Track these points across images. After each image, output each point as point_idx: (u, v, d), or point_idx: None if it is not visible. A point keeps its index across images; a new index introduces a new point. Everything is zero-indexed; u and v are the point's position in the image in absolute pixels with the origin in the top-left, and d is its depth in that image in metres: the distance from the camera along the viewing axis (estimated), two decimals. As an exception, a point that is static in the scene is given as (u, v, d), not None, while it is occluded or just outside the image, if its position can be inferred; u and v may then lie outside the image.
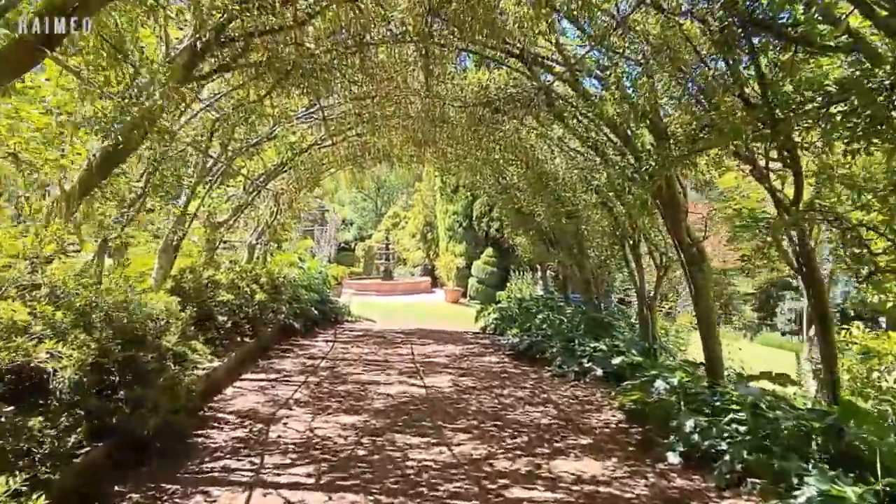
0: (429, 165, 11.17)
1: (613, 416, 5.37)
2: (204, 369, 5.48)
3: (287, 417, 4.92)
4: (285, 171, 8.16)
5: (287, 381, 6.31)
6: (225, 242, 8.77)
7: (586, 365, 6.78)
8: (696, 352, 7.28)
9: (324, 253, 11.83)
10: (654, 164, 4.92)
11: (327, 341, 9.11)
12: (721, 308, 11.69)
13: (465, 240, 19.69)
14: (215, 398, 5.41)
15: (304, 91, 5.74)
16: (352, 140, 9.07)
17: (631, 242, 6.88)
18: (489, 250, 18.78)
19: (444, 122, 8.01)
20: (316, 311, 9.94)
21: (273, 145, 7.22)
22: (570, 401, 5.90)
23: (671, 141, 4.80)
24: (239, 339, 7.21)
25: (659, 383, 4.49)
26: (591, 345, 6.89)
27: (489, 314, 10.92)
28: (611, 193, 6.40)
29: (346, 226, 43.55)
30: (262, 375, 6.46)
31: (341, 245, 37.56)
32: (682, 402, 4.36)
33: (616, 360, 6.11)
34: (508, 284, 12.40)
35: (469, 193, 19.35)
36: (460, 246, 19.79)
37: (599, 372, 6.63)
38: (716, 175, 5.08)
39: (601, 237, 7.54)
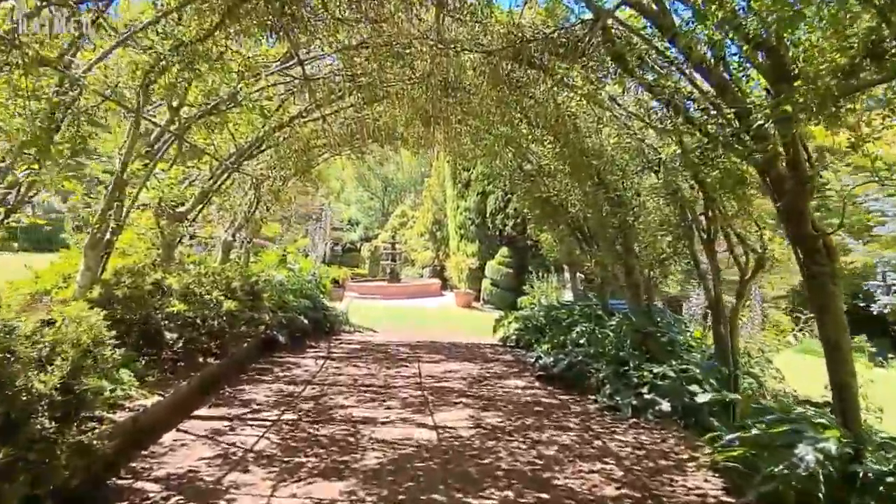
0: (439, 149, 9.58)
1: (707, 481, 3.76)
2: (131, 410, 3.97)
3: (237, 488, 3.37)
4: (263, 150, 6.64)
5: (254, 418, 4.76)
6: (193, 238, 7.29)
7: (647, 397, 5.18)
8: (796, 379, 5.65)
9: (318, 252, 10.34)
10: (769, 118, 3.32)
11: (318, 358, 7.56)
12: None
13: (477, 238, 18.11)
14: (145, 451, 3.88)
15: (270, 30, 4.20)
16: (346, 115, 7.54)
17: (705, 235, 5.25)
18: (504, 250, 17.20)
19: (459, 89, 6.46)
20: (306, 321, 8.41)
21: (243, 115, 5.69)
22: (636, 452, 4.29)
23: (804, 82, 3.20)
24: (201, 359, 5.69)
25: (804, 450, 2.86)
26: (654, 370, 5.27)
27: (509, 323, 9.33)
28: (684, 171, 4.78)
29: (352, 226, 42.29)
30: (224, 410, 4.92)
31: (346, 246, 36.28)
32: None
33: (702, 397, 4.51)
34: (530, 288, 10.78)
35: (482, 188, 17.78)
36: (472, 245, 18.22)
37: (666, 407, 5.03)
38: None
39: (660, 230, 5.94)
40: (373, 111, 7.41)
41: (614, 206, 6.59)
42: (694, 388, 5.06)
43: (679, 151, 4.75)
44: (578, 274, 9.97)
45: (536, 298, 9.99)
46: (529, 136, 7.29)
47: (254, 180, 7.31)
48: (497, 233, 17.58)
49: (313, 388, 5.87)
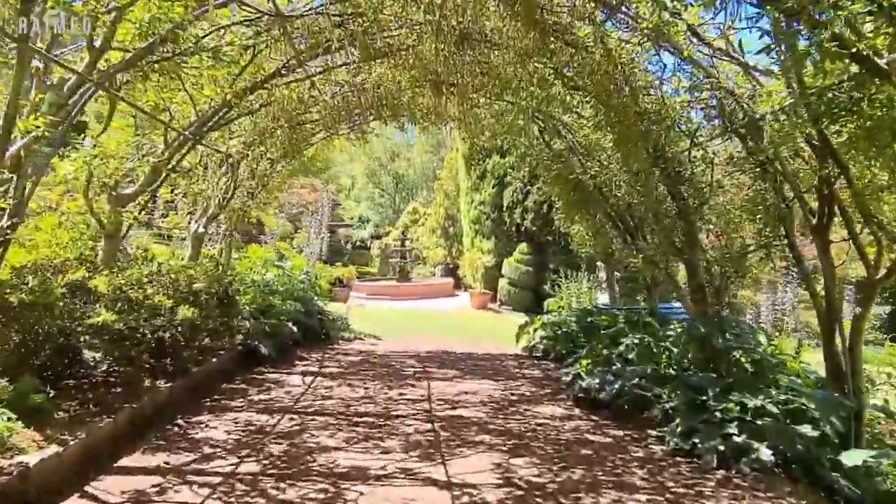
0: (453, 125, 8.20)
1: None
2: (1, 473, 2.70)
3: None
4: (234, 118, 5.35)
5: (199, 471, 3.46)
6: (150, 227, 6.04)
7: (738, 440, 3.77)
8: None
9: (314, 248, 9.03)
10: None
11: (306, 374, 6.26)
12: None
13: (493, 234, 16.73)
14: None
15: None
16: (339, 78, 6.23)
17: (815, 219, 3.84)
18: (523, 246, 15.80)
19: (477, 41, 5.13)
20: (295, 328, 7.13)
21: (203, 68, 4.40)
22: (746, 535, 2.91)
23: None
24: (148, 382, 4.43)
25: None
26: (746, 402, 3.86)
27: (535, 330, 7.95)
28: (800, 127, 3.35)
29: (362, 223, 41.28)
30: (161, 458, 3.62)
31: (356, 243, 35.18)
32: None
33: (848, 458, 3.10)
34: (557, 289, 9.35)
35: (498, 179, 16.39)
36: (488, 242, 16.84)
37: (767, 455, 3.62)
38: None
39: (741, 215, 4.54)
40: (371, 74, 6.08)
41: (676, 185, 5.18)
42: (806, 428, 3.65)
43: (792, 101, 3.33)
44: (615, 273, 8.54)
45: (565, 301, 8.61)
46: (564, 101, 5.90)
47: (228, 159, 6.04)
48: (515, 228, 16.17)
49: (291, 420, 4.56)
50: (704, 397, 4.16)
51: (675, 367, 4.99)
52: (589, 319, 7.09)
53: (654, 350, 5.38)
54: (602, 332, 6.78)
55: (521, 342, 8.10)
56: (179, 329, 4.70)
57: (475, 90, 6.56)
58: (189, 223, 6.36)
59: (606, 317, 6.64)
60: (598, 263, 9.29)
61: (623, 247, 6.97)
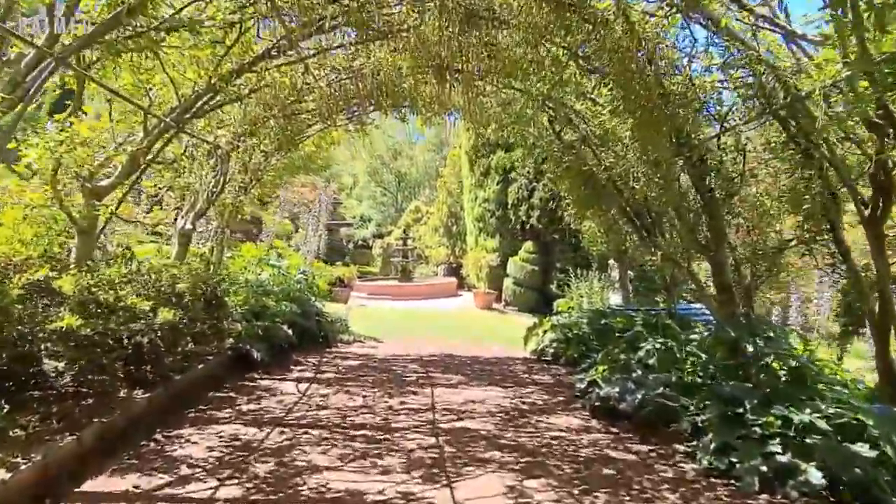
0: (457, 115, 7.76)
1: None
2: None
3: None
4: (220, 104, 4.93)
5: (172, 500, 3.05)
6: (136, 223, 5.63)
7: (782, 459, 3.34)
8: None
9: (311, 247, 8.59)
10: None
11: (301, 380, 5.84)
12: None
13: (498, 232, 16.30)
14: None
15: None
16: (335, 63, 5.81)
17: (869, 212, 3.40)
18: (528, 244, 15.37)
19: (484, 18, 4.72)
20: (291, 331, 6.70)
21: (184, 47, 3.98)
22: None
23: None
24: (124, 392, 4.03)
25: None
26: (797, 418, 3.42)
27: (544, 332, 7.52)
28: (861, 103, 2.91)
29: (364, 222, 40.94)
30: (131, 480, 3.21)
31: (358, 242, 34.81)
32: None
33: None
34: (566, 289, 8.90)
35: (503, 175, 15.96)
36: (492, 240, 16.41)
37: (817, 477, 3.18)
38: None
39: (780, 209, 4.11)
40: (370, 58, 5.66)
41: (701, 176, 4.74)
42: (863, 448, 3.22)
43: (848, 74, 2.89)
44: (629, 272, 8.09)
45: (575, 302, 8.17)
46: (579, 84, 5.46)
47: (216, 150, 5.62)
48: (520, 225, 15.73)
49: (282, 434, 4.14)
50: (740, 410, 3.72)
51: (701, 375, 4.55)
52: (602, 321, 6.65)
53: (678, 355, 4.94)
54: (617, 335, 6.36)
55: (529, 345, 7.67)
56: (160, 333, 4.28)
57: (481, 76, 6.15)
58: (176, 219, 5.95)
59: (622, 319, 6.20)
60: (610, 262, 8.86)
61: (640, 244, 6.53)
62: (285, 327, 6.63)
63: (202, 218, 5.96)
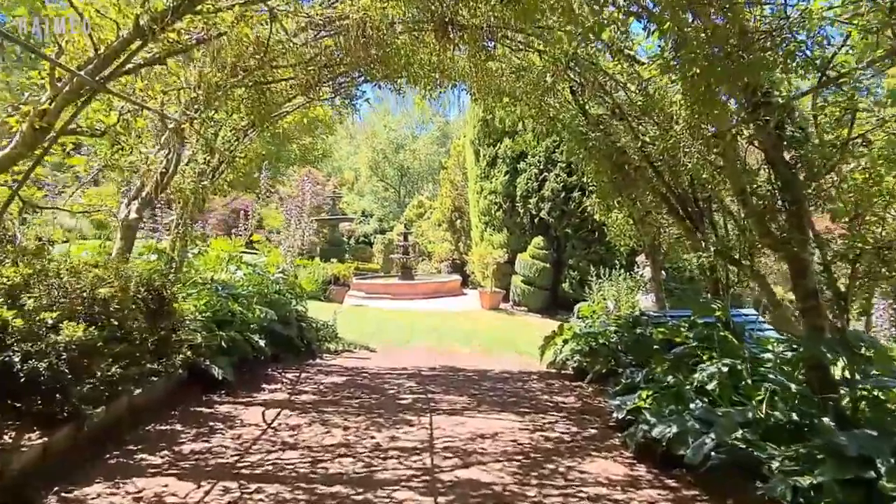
0: (461, 85, 6.57)
1: None
2: None
3: None
4: (159, 57, 3.81)
5: None
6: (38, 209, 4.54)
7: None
8: None
9: (293, 241, 7.45)
10: None
11: (270, 404, 4.75)
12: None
13: (505, 227, 15.18)
14: None
15: None
16: (312, 16, 4.69)
17: None
18: (538, 240, 14.24)
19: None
20: (263, 342, 5.61)
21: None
22: None
23: None
24: (10, 436, 2.95)
25: None
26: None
27: (564, 342, 6.40)
28: None
29: (366, 217, 39.97)
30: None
31: (360, 238, 33.77)
32: None
33: None
34: (588, 291, 7.72)
35: (510, 165, 14.81)
36: (499, 235, 15.29)
37: None
38: None
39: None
40: (354, 5, 4.54)
41: (780, 148, 3.60)
42: None
43: None
44: (662, 272, 6.94)
45: (599, 305, 7.05)
46: (613, 39, 4.32)
47: (164, 121, 4.51)
48: (529, 219, 14.61)
49: (225, 493, 3.05)
50: (871, 473, 2.60)
51: (785, 411, 3.42)
52: (638, 331, 5.52)
53: (747, 381, 3.82)
54: (655, 347, 5.25)
55: (546, 355, 6.56)
56: (65, 356, 3.20)
57: (491, 32, 5.03)
58: (121, 207, 4.85)
59: (664, 329, 5.07)
60: (639, 259, 7.75)
61: (684, 238, 5.40)
62: (256, 337, 5.54)
63: (150, 206, 4.86)
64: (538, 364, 6.79)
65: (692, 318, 4.91)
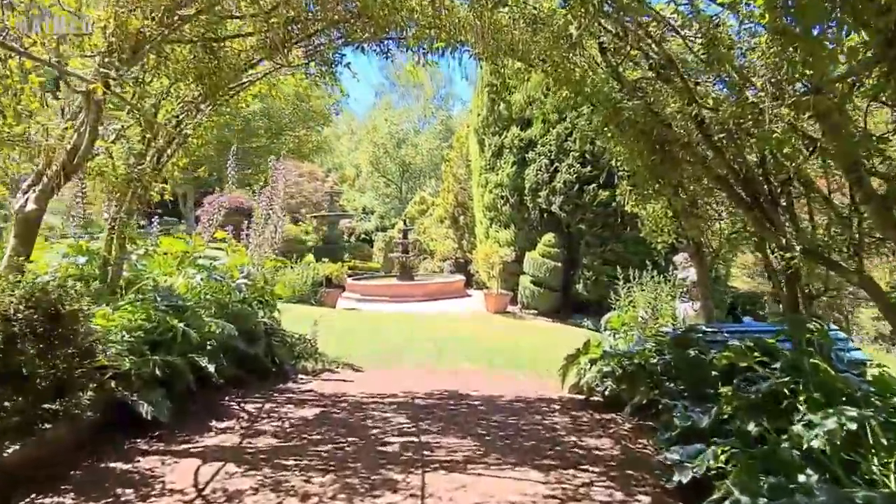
0: (464, 45, 5.34)
1: None
2: None
3: None
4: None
5: None
6: None
7: None
8: None
9: (262, 238, 6.22)
10: None
11: (211, 454, 3.59)
12: None
13: (512, 222, 13.99)
14: None
15: None
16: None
17: None
18: (548, 237, 13.06)
19: None
20: (212, 366, 4.42)
21: None
22: None
23: None
24: None
25: None
26: None
27: (590, 363, 5.21)
28: None
29: (367, 215, 38.92)
30: None
31: (360, 236, 32.68)
32: None
33: None
34: (614, 297, 6.49)
35: (517, 155, 13.60)
36: (506, 232, 14.11)
37: None
38: None
39: None
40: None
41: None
42: None
43: None
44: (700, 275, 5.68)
45: (630, 315, 5.84)
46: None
47: (72, 85, 3.35)
48: (539, 214, 13.42)
49: None
50: None
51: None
52: (691, 353, 4.32)
53: (884, 440, 2.62)
54: (715, 374, 4.06)
55: (569, 378, 5.37)
56: None
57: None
58: (18, 196, 3.70)
59: (730, 352, 3.87)
60: (677, 259, 6.55)
61: (753, 231, 4.20)
62: (205, 360, 4.37)
63: (53, 194, 3.69)
64: (558, 386, 5.60)
65: (772, 337, 3.71)
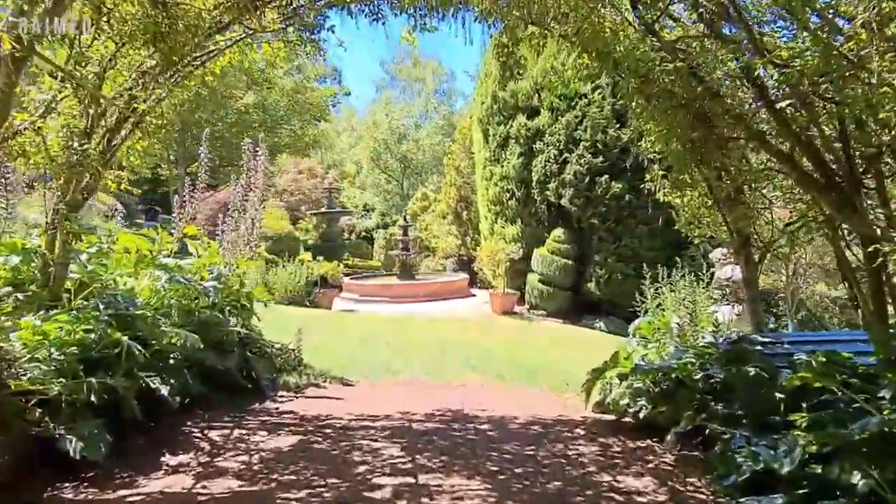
0: (467, 6, 4.54)
1: None
2: None
3: None
4: None
5: None
6: None
7: None
8: None
9: (237, 233, 5.43)
10: None
11: (152, 502, 2.83)
12: None
13: (519, 218, 13.20)
14: None
15: None
16: None
17: None
18: (558, 232, 12.28)
19: None
20: (164, 388, 3.65)
21: None
22: None
23: None
24: None
25: None
26: None
27: (620, 377, 4.43)
28: None
29: (367, 212, 38.16)
30: None
31: (361, 233, 31.92)
32: None
33: None
34: (644, 300, 5.65)
35: (524, 146, 12.80)
36: (512, 227, 13.32)
37: None
38: None
39: None
40: None
41: None
42: None
43: None
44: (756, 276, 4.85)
45: (661, 320, 5.03)
46: None
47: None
48: (547, 208, 12.62)
49: None
50: None
51: None
52: (749, 369, 3.53)
53: None
54: (781, 396, 3.29)
55: (593, 395, 4.59)
56: None
57: None
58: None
59: (807, 370, 3.07)
60: (714, 255, 5.73)
61: (830, 217, 3.41)
62: (157, 382, 3.60)
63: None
64: (579, 402, 4.83)
65: (850, 350, 2.92)
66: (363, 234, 31.79)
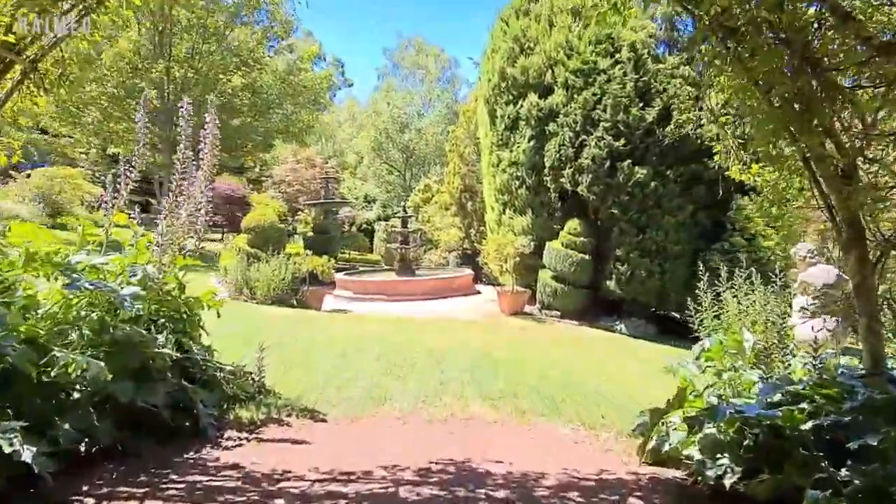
0: None
1: None
2: None
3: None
4: None
5: None
6: None
7: None
8: None
9: (181, 223, 4.34)
10: None
11: None
12: None
13: (529, 208, 11.95)
14: None
15: None
16: None
17: None
18: (573, 223, 11.06)
19: None
20: (26, 453, 2.47)
21: None
22: None
23: None
24: None
25: None
26: None
27: (690, 424, 3.22)
28: None
29: (368, 203, 37.01)
30: None
31: (362, 226, 30.76)
32: None
33: None
34: (699, 310, 4.44)
35: (536, 128, 11.52)
36: (522, 218, 12.07)
37: None
38: None
39: None
40: None
41: None
42: None
43: None
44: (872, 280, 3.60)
45: (731, 338, 3.80)
46: None
47: None
48: (561, 197, 11.39)
49: None
50: None
51: None
52: (914, 432, 2.33)
53: None
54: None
55: (649, 445, 3.38)
56: None
57: None
58: None
59: None
60: (798, 252, 4.50)
61: None
62: (14, 442, 2.41)
63: None
64: (624, 444, 3.63)
65: None
66: (364, 225, 30.63)
